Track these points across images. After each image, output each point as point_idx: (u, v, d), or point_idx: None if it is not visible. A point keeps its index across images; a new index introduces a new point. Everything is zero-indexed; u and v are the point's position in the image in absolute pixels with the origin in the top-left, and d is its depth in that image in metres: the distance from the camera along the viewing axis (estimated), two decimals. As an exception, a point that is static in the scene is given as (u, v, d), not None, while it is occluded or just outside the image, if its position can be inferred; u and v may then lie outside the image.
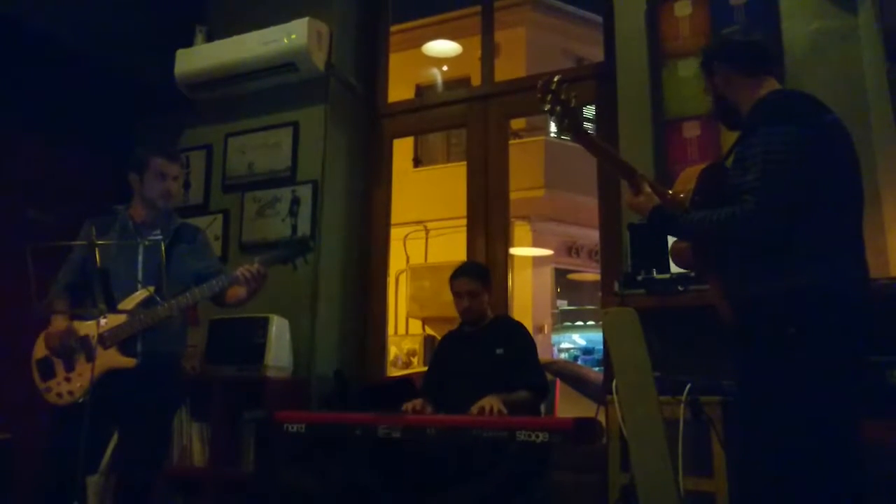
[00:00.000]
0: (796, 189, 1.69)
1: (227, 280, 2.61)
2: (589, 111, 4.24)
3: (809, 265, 1.70)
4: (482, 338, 2.98)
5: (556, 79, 1.84)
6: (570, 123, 1.86)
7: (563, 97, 1.84)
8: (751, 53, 1.94)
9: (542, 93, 1.85)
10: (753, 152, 1.73)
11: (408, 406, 2.75)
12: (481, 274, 3.06)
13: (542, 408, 2.96)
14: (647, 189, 1.91)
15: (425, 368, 3.56)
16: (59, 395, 2.50)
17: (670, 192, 1.95)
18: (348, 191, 3.99)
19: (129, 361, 2.51)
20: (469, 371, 2.88)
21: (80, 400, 2.45)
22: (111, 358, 2.50)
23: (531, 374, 2.87)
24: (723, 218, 1.73)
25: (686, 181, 1.93)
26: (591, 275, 10.22)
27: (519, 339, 2.96)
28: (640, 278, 2.71)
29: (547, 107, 1.85)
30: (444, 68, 9.89)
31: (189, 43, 4.04)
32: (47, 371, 2.54)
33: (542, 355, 3.18)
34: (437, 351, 3.24)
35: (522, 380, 2.81)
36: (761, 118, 1.79)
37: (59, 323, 2.51)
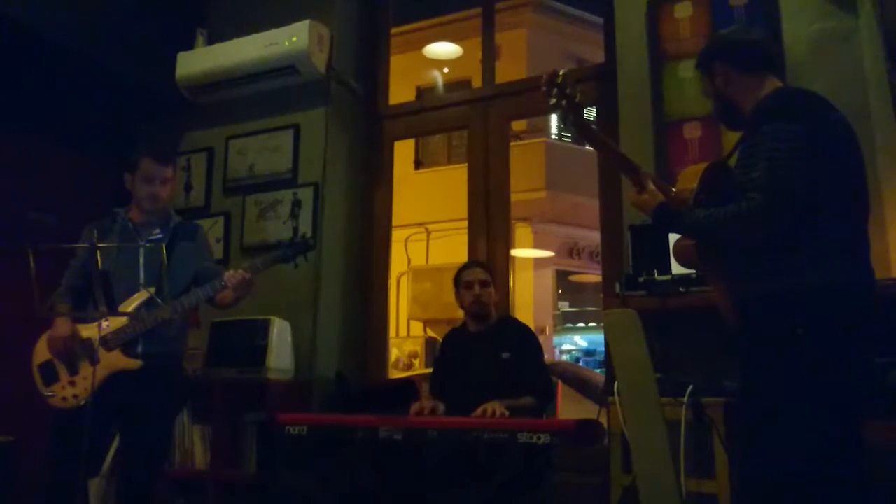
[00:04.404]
0: (802, 187, 1.67)
1: (220, 283, 2.61)
2: (590, 112, 4.23)
3: (816, 264, 1.69)
4: (487, 340, 2.97)
5: (561, 73, 1.82)
6: (576, 118, 1.85)
7: (568, 91, 1.82)
8: (751, 51, 1.93)
9: (547, 87, 1.82)
10: (758, 150, 1.72)
11: (424, 405, 2.75)
12: (489, 268, 3.19)
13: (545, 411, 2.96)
14: (651, 186, 1.89)
15: (427, 370, 3.56)
16: (65, 398, 2.50)
17: (674, 189, 1.94)
18: (349, 193, 3.99)
19: (134, 363, 2.51)
20: (474, 375, 2.87)
21: (83, 403, 2.45)
22: (116, 360, 2.50)
23: (537, 379, 2.86)
24: (729, 215, 1.71)
25: (689, 179, 1.91)
26: (593, 276, 10.23)
27: (525, 344, 2.95)
28: (641, 280, 2.71)
29: (553, 101, 1.81)
30: (445, 70, 9.90)
31: (190, 46, 4.05)
32: (50, 375, 2.53)
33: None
34: (441, 351, 3.23)
35: (527, 385, 2.80)
36: (766, 116, 1.77)
37: (63, 327, 2.50)
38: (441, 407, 2.77)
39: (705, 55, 2.00)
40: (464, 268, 3.10)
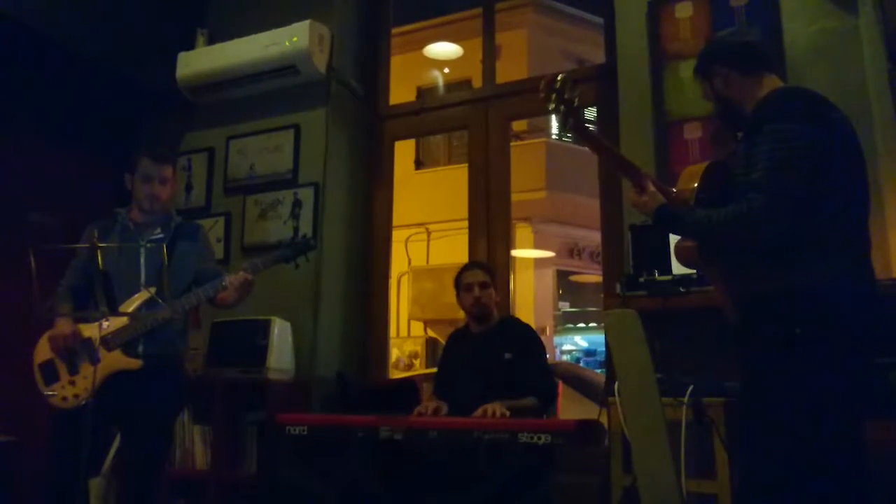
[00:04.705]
0: (803, 187, 1.67)
1: (221, 283, 2.61)
2: (590, 113, 4.24)
3: (816, 264, 1.69)
4: (490, 340, 2.97)
5: (560, 77, 1.82)
6: (575, 122, 1.85)
7: (567, 96, 1.82)
8: (748, 52, 1.93)
9: (546, 91, 1.82)
10: (759, 150, 1.71)
11: (428, 406, 2.75)
12: (489, 269, 3.18)
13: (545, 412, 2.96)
14: (652, 188, 1.89)
15: (427, 370, 3.56)
16: (65, 398, 2.49)
17: (674, 190, 1.94)
18: (350, 193, 3.99)
19: (135, 363, 2.51)
20: (477, 375, 2.87)
21: (84, 403, 2.45)
22: (116, 360, 2.50)
23: (539, 380, 2.86)
24: (730, 215, 1.71)
25: (689, 179, 1.91)
26: (593, 276, 10.23)
27: (528, 344, 2.95)
28: (641, 280, 2.71)
29: (551, 106, 1.82)
30: (446, 70, 9.91)
31: (191, 46, 4.05)
32: (50, 375, 2.53)
33: (544, 357, 3.17)
34: (445, 351, 3.23)
35: (530, 386, 2.80)
36: (766, 116, 1.77)
37: (64, 325, 2.50)
38: (444, 408, 2.76)
39: (703, 60, 2.00)
40: (463, 270, 3.10)
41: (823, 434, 1.65)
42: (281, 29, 3.75)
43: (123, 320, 2.51)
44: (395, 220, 4.19)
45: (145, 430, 2.55)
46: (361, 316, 3.94)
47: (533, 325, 3.24)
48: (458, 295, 3.07)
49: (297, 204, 3.77)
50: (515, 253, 8.68)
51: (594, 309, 10.67)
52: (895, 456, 1.89)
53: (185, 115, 4.17)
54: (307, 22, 3.72)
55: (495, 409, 2.55)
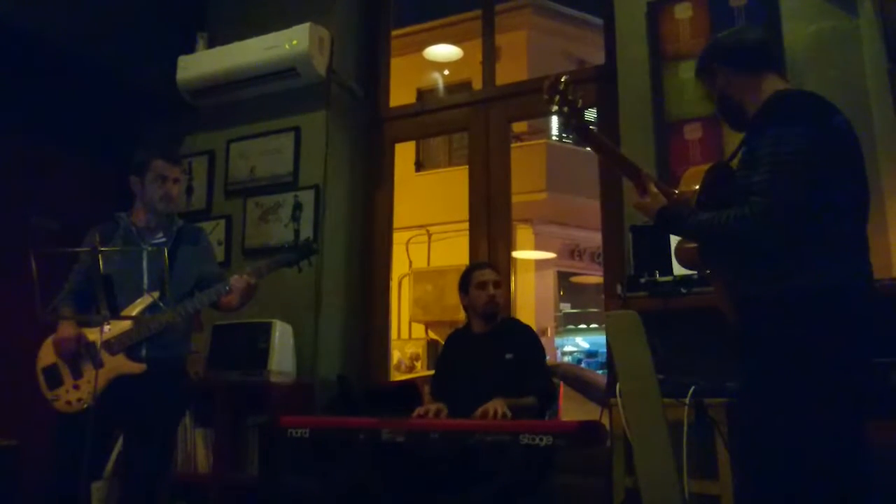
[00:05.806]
0: (805, 191, 1.68)
1: (225, 287, 2.61)
2: (590, 114, 4.23)
3: (816, 266, 1.69)
4: (491, 341, 2.96)
5: (563, 79, 1.82)
6: (578, 124, 1.85)
7: (570, 97, 1.82)
8: (750, 52, 1.93)
9: (549, 93, 1.82)
10: (762, 153, 1.71)
11: (429, 408, 2.75)
12: (497, 269, 3.15)
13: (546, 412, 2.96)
14: (654, 189, 1.89)
15: (428, 372, 3.55)
16: (69, 402, 2.50)
17: (676, 192, 1.94)
18: (350, 195, 3.99)
19: (138, 367, 2.51)
20: (478, 375, 2.86)
21: (87, 406, 2.45)
22: (120, 364, 2.50)
23: (540, 380, 2.86)
24: (732, 218, 1.71)
25: (691, 181, 1.91)
26: (594, 277, 10.23)
27: (529, 345, 2.94)
28: (642, 281, 2.71)
29: (555, 108, 1.82)
30: (446, 72, 9.92)
31: (191, 49, 4.06)
32: (54, 379, 2.53)
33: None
34: (443, 352, 3.22)
35: (530, 386, 2.80)
36: (769, 119, 1.77)
37: (67, 329, 2.50)
38: (445, 410, 2.76)
39: (704, 58, 2.00)
40: (474, 268, 3.08)
41: (824, 435, 1.65)
42: (281, 32, 3.76)
43: (126, 324, 2.52)
44: (396, 222, 4.19)
45: (148, 434, 2.55)
46: (362, 318, 3.95)
47: (534, 327, 3.23)
48: (465, 294, 3.03)
49: (297, 206, 3.78)
50: (516, 254, 8.68)
51: (595, 310, 10.68)
52: (895, 456, 1.89)
53: (186, 118, 4.18)
54: (307, 24, 3.73)
55: (496, 406, 2.54)
